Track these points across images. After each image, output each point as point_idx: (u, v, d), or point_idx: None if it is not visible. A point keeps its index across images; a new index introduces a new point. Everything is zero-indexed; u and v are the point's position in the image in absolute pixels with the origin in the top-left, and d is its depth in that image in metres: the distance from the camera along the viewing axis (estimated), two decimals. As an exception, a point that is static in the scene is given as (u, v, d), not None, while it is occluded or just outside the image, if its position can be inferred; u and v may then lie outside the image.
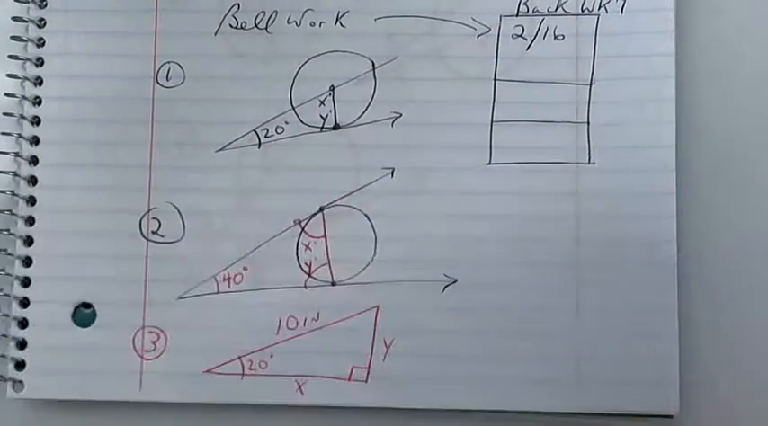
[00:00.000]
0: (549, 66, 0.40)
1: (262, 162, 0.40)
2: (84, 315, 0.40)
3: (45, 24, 0.41)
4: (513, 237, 0.39)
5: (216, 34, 0.41)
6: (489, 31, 0.40)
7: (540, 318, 0.38)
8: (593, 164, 0.39)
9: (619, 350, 0.38)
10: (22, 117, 0.41)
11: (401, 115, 0.40)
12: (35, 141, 0.41)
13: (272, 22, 0.41)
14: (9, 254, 0.40)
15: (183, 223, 0.40)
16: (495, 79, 0.40)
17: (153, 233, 0.40)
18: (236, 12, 0.41)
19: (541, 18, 0.40)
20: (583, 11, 0.40)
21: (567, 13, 0.40)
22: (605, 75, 0.39)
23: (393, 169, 0.40)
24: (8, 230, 0.40)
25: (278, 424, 0.39)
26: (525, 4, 0.40)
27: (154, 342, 0.39)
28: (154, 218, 0.40)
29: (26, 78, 0.41)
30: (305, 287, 0.39)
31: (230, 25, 0.41)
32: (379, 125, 0.40)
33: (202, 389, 0.39)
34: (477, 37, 0.40)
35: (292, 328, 0.39)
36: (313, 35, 0.40)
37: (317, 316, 0.39)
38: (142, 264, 0.40)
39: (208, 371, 0.39)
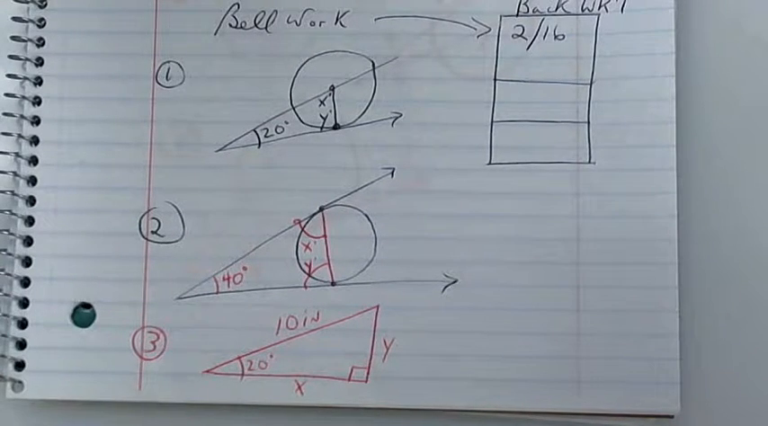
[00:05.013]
0: (549, 66, 0.40)
1: (262, 162, 0.40)
2: (83, 315, 0.40)
3: (45, 24, 0.41)
4: (513, 237, 0.39)
5: (215, 34, 0.41)
6: (489, 31, 0.40)
7: (540, 318, 0.38)
8: (594, 163, 0.39)
9: (619, 350, 0.38)
10: (22, 117, 0.41)
11: (401, 115, 0.40)
12: (35, 141, 0.41)
13: (272, 22, 0.41)
14: (9, 254, 0.40)
15: (183, 223, 0.40)
16: (495, 79, 0.40)
17: (152, 233, 0.40)
18: (236, 11, 0.41)
19: (541, 18, 0.40)
20: (583, 10, 0.40)
21: (567, 13, 0.40)
22: (605, 74, 0.39)
23: (393, 169, 0.40)
24: (8, 230, 0.40)
25: (278, 424, 0.39)
26: (525, 4, 0.40)
27: (153, 342, 0.39)
28: (153, 218, 0.40)
29: (26, 78, 0.41)
30: (305, 287, 0.39)
31: (230, 25, 0.41)
32: (379, 125, 0.40)
33: (202, 389, 0.39)
34: (477, 37, 0.40)
35: (292, 328, 0.39)
36: (313, 35, 0.40)
37: (317, 316, 0.39)
38: (141, 264, 0.40)
39: (207, 371, 0.39)
